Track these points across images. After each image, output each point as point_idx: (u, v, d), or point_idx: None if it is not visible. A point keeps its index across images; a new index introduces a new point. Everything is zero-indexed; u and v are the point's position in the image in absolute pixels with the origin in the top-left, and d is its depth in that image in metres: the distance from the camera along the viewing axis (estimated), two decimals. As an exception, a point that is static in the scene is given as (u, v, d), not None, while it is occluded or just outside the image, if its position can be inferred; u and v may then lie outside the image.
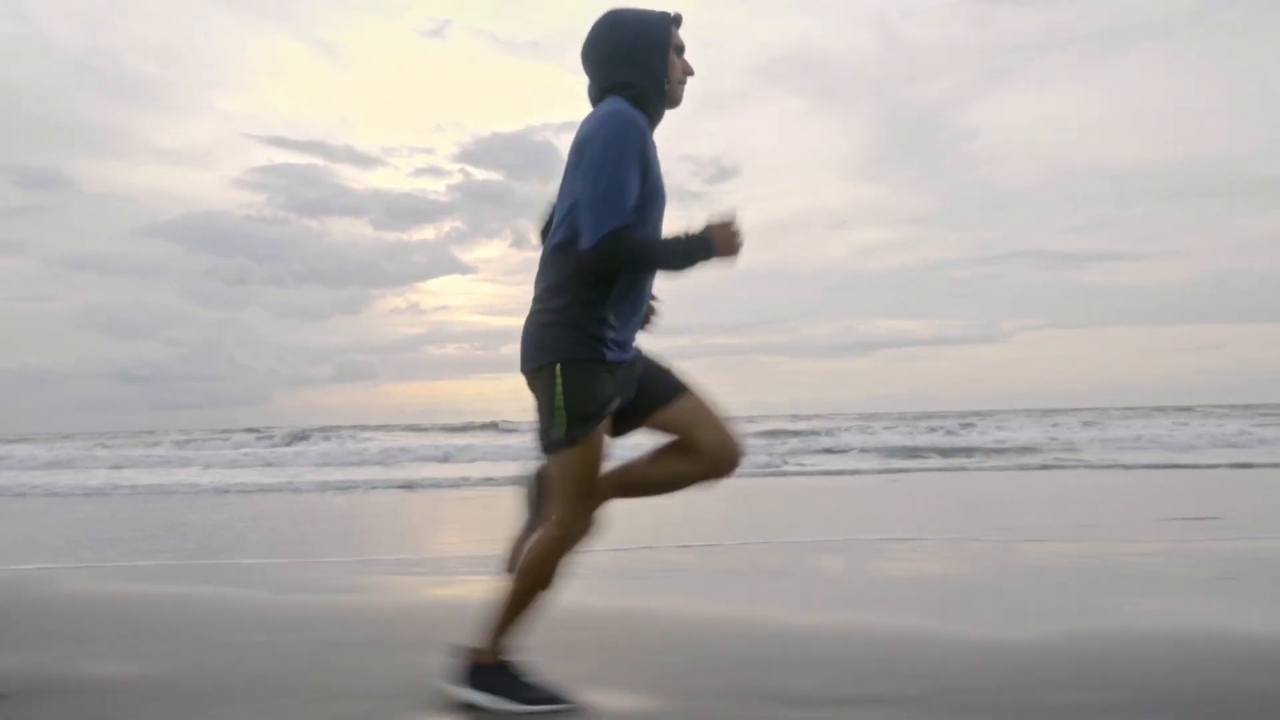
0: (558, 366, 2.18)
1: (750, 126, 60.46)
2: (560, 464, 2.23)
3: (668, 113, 2.37)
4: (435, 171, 56.16)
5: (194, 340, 56.65)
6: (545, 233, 2.41)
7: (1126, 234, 56.27)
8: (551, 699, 2.29)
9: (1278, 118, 52.01)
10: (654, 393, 2.33)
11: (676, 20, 2.33)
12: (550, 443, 2.22)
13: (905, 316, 66.04)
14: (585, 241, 2.13)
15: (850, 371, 63.99)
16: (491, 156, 53.67)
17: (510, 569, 2.35)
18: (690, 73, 2.35)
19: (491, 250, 59.37)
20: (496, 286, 61.23)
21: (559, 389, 2.17)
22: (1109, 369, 60.40)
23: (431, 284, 61.61)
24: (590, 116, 2.23)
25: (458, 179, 53.75)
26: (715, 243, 2.18)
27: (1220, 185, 53.08)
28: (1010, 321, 66.23)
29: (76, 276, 56.93)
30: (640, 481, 2.34)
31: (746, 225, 2.22)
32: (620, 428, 2.34)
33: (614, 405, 2.25)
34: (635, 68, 2.25)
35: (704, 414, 2.34)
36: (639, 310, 2.31)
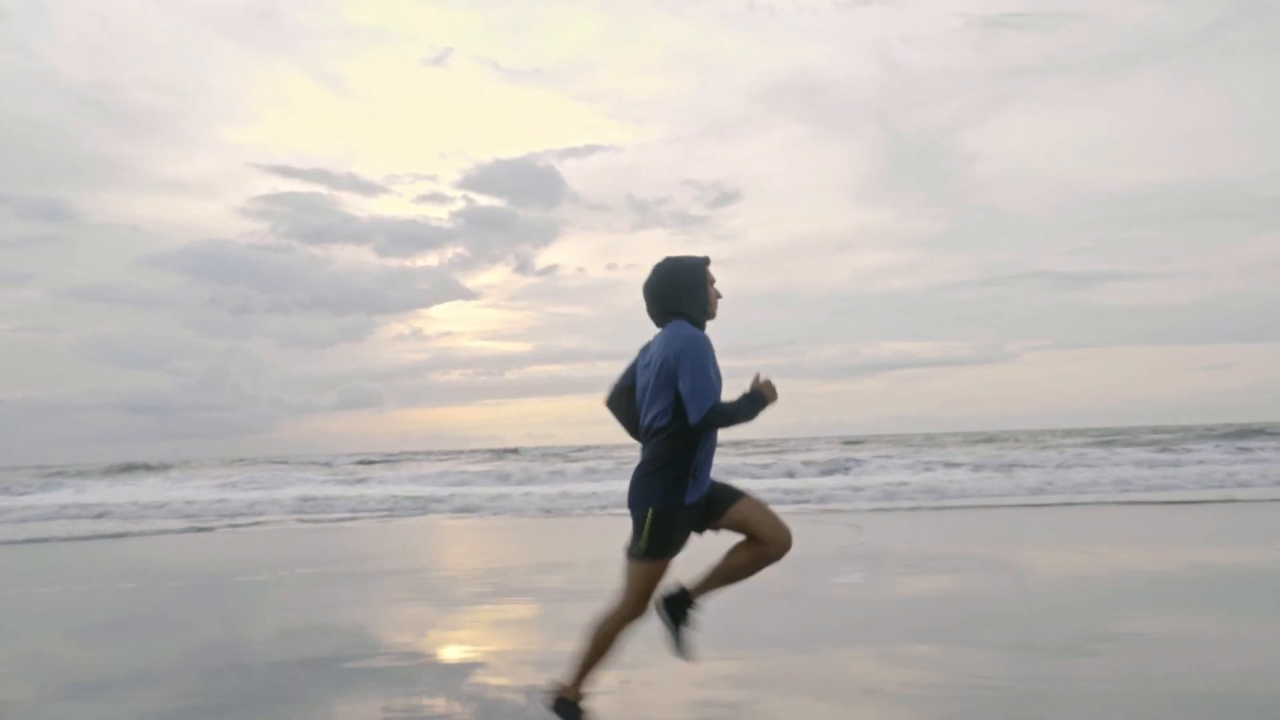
0: (650, 511, 3.01)
1: (753, 152, 61.04)
2: (637, 570, 3.05)
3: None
4: (438, 198, 56.00)
5: (199, 370, 55.14)
6: (611, 403, 3.29)
7: (1133, 255, 56.71)
8: None
9: (1282, 139, 50.53)
10: (720, 502, 3.16)
11: (707, 261, 3.24)
12: (635, 553, 3.04)
13: (911, 339, 66.61)
14: (693, 416, 2.96)
15: (857, 393, 64.52)
16: (494, 183, 53.37)
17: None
18: (720, 296, 3.25)
19: (495, 276, 59.15)
20: (500, 312, 60.81)
21: (648, 525, 3.01)
22: (1117, 389, 61.31)
23: (435, 310, 61.30)
24: (672, 335, 3.07)
25: (460, 205, 53.28)
26: (767, 395, 3.07)
27: (1227, 207, 53.57)
28: (1016, 342, 67.30)
29: (82, 307, 54.91)
30: (727, 571, 3.17)
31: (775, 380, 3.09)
32: (701, 527, 3.14)
33: (681, 548, 3.06)
34: (688, 300, 3.15)
35: (758, 510, 3.14)
36: (711, 461, 3.14)
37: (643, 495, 3.04)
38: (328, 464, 29.04)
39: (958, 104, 55.34)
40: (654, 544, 3.00)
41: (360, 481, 20.47)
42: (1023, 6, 50.58)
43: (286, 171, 56.69)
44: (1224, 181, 54.58)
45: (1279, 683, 3.29)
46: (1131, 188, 56.49)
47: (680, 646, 3.16)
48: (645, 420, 3.12)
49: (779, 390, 3.07)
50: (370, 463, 29.65)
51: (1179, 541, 7.77)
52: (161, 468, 29.23)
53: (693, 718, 3.08)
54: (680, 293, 3.15)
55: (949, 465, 18.39)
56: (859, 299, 63.54)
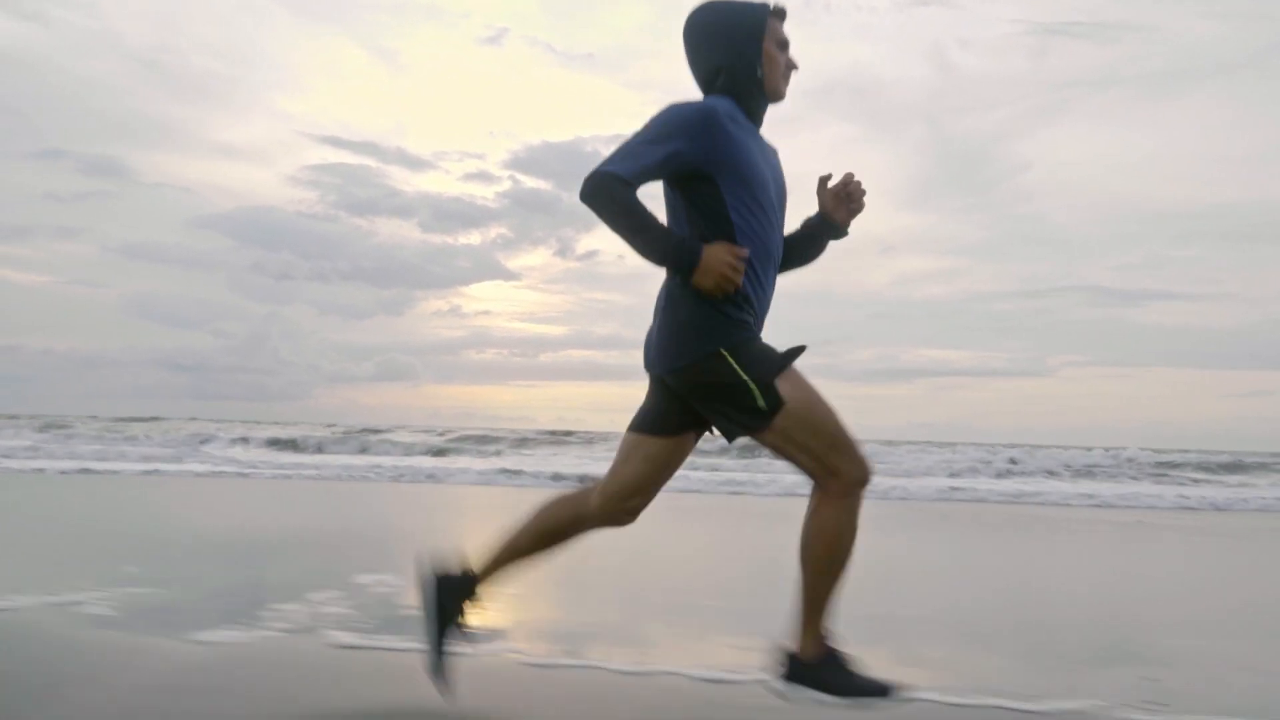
0: (721, 351, 2.04)
1: (802, 149, 60.95)
2: (784, 434, 2.04)
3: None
4: (485, 177, 56.82)
5: (240, 333, 57.33)
6: None
7: (1178, 274, 56.07)
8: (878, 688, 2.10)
9: (1334, 164, 50.98)
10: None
11: (779, 13, 2.21)
12: (756, 424, 2.04)
13: (947, 346, 66.55)
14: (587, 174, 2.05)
15: (891, 398, 64.47)
16: (541, 165, 54.25)
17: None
18: (794, 67, 2.24)
19: (536, 258, 60.54)
20: (539, 294, 62.43)
21: (736, 369, 2.03)
22: (1154, 410, 60.14)
23: (475, 289, 61.85)
24: None
25: (507, 185, 54.11)
26: (700, 264, 2.03)
27: (1275, 231, 53.10)
28: (1055, 357, 66.76)
29: (130, 264, 57.79)
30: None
31: (738, 267, 2.05)
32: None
33: (793, 353, 2.09)
34: (725, 53, 2.15)
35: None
36: (765, 307, 2.20)
37: (688, 342, 2.07)
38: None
39: (1009, 111, 54.61)
40: (763, 387, 2.01)
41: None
42: (1081, 16, 49.59)
43: (337, 142, 58.49)
44: (1274, 205, 53.16)
45: None
46: (1181, 206, 55.54)
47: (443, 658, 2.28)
48: None
49: (728, 283, 2.02)
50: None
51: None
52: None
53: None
54: (714, 40, 2.15)
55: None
56: (897, 303, 63.19)
